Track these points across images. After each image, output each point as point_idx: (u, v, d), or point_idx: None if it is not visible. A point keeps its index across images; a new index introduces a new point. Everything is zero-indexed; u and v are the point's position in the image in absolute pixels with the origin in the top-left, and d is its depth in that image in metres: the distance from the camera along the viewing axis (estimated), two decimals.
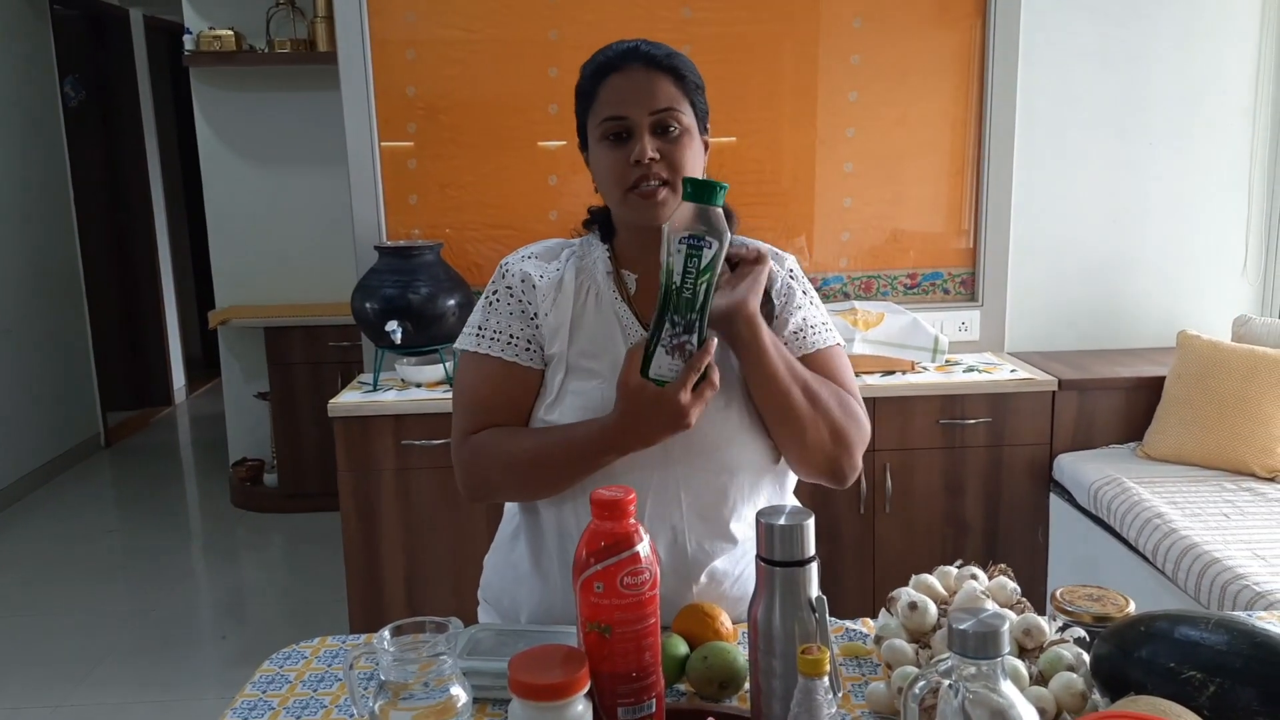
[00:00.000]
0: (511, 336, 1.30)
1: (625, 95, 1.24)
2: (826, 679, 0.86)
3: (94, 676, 3.05)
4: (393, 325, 2.74)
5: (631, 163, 1.23)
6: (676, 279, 1.12)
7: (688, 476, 1.26)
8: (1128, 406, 2.88)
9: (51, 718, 2.83)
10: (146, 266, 6.12)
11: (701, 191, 1.12)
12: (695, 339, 1.15)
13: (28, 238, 4.86)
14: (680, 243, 1.12)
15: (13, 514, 4.50)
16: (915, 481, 2.82)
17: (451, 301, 2.81)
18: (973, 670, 0.79)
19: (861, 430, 1.29)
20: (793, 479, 1.37)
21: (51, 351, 5.02)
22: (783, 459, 1.32)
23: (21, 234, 4.81)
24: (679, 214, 1.13)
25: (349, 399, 2.75)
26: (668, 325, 1.14)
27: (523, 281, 1.31)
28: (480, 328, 1.31)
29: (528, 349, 1.30)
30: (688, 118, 1.25)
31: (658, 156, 1.23)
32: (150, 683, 3.02)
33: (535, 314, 1.30)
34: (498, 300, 1.32)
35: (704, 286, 1.13)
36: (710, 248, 1.11)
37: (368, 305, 2.80)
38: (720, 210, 1.13)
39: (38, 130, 4.99)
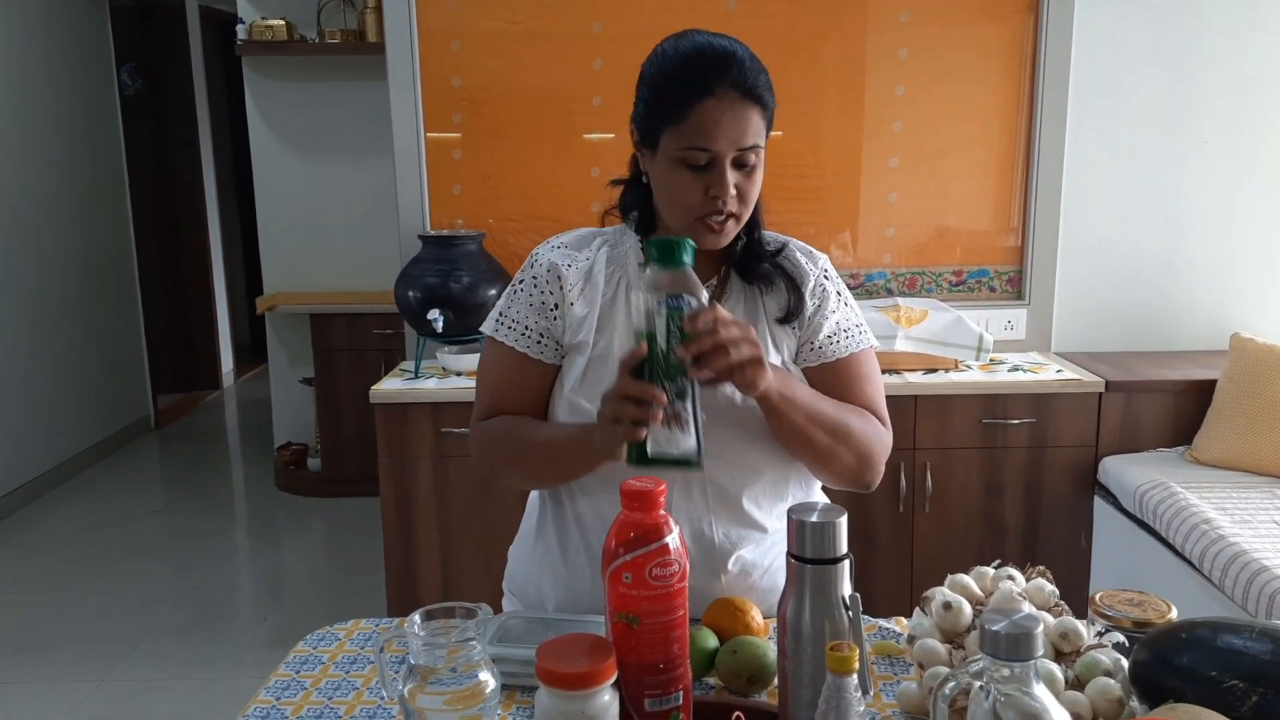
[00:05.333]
0: (527, 329, 1.31)
1: (717, 128, 1.19)
2: (855, 677, 0.85)
3: (137, 653, 3.11)
4: (434, 314, 2.76)
5: (709, 196, 1.21)
6: (662, 343, 1.05)
7: (711, 471, 1.25)
8: (1176, 409, 2.82)
9: (95, 692, 2.90)
10: (197, 252, 6.23)
11: (670, 254, 1.06)
12: (689, 404, 1.06)
13: (83, 222, 4.96)
14: (660, 304, 1.05)
15: (63, 492, 4.60)
16: (954, 481, 2.79)
17: (493, 291, 2.82)
18: (1005, 672, 0.77)
19: (884, 444, 1.31)
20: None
21: (104, 334, 5.13)
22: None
23: (77, 219, 4.91)
24: (649, 276, 1.07)
25: (390, 386, 2.78)
26: (660, 389, 1.06)
27: (548, 271, 1.31)
28: (501, 314, 1.33)
29: (540, 342, 1.31)
30: (763, 148, 1.24)
31: (735, 192, 1.21)
32: (191, 661, 3.08)
33: (558, 304, 1.30)
34: (521, 289, 1.33)
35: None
36: (690, 307, 1.06)
37: (410, 293, 2.82)
38: (691, 269, 1.08)
39: (94, 117, 5.10)
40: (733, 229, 1.25)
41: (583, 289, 1.30)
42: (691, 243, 1.08)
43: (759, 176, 1.24)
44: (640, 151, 1.28)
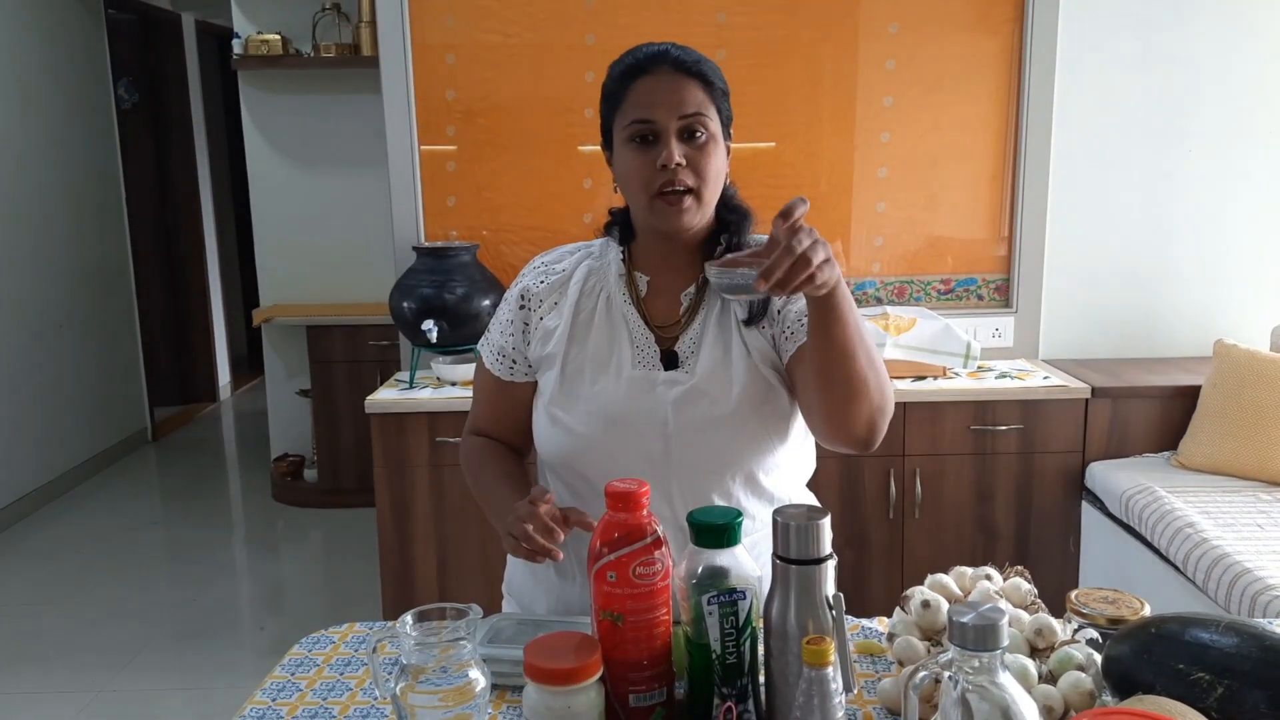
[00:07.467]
0: (501, 353, 1.38)
1: (653, 98, 1.23)
2: (832, 669, 0.88)
3: (135, 664, 3.13)
4: (429, 324, 2.79)
5: (658, 167, 1.22)
6: (717, 648, 0.97)
7: (682, 475, 1.28)
8: (1162, 415, 2.85)
9: (94, 702, 2.91)
10: (194, 265, 6.25)
11: (715, 536, 0.97)
12: (751, 703, 0.99)
13: (80, 235, 4.99)
14: (710, 603, 0.96)
15: (61, 505, 4.62)
16: (945, 487, 2.81)
17: (486, 302, 2.85)
18: (974, 663, 0.80)
19: (892, 394, 1.22)
20: (802, 476, 1.39)
21: (101, 347, 5.15)
22: (780, 462, 1.32)
23: (74, 232, 4.94)
24: (691, 563, 0.98)
25: (385, 396, 2.80)
26: (716, 700, 0.98)
27: (520, 290, 1.37)
28: (488, 332, 1.41)
29: (501, 361, 1.37)
30: (714, 124, 1.25)
31: (684, 162, 1.23)
32: (189, 671, 3.09)
33: (515, 320, 1.35)
34: (502, 309, 1.40)
35: (749, 643, 0.97)
36: (745, 598, 0.96)
37: (405, 304, 2.85)
38: (741, 547, 0.98)
39: (92, 131, 5.13)
40: (694, 207, 1.24)
41: (555, 302, 1.34)
42: (738, 517, 0.99)
43: (714, 151, 1.24)
44: (608, 160, 1.33)
